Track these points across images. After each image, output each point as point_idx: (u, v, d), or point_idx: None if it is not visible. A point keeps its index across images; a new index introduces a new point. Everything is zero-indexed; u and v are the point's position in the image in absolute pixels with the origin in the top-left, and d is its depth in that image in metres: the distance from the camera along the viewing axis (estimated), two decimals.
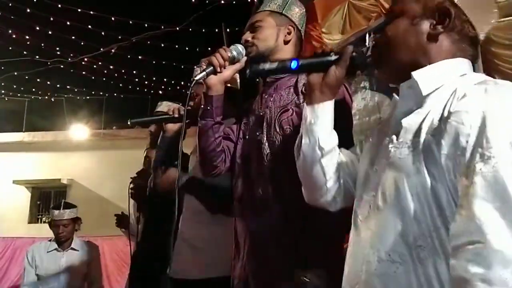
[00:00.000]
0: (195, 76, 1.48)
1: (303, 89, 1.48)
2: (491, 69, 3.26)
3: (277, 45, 1.58)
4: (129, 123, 2.07)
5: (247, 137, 1.60)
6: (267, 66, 1.22)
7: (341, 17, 5.24)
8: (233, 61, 1.52)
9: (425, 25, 1.00)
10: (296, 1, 1.69)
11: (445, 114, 0.87)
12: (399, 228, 0.87)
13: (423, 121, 0.91)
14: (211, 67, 1.47)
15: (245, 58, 1.54)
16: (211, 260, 1.81)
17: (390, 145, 0.95)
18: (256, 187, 1.49)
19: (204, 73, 1.47)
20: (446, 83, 0.94)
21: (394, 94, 1.05)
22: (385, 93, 1.40)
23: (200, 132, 1.57)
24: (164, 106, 2.62)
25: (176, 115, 2.03)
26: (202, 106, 1.56)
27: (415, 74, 0.96)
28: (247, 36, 1.60)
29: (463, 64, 0.99)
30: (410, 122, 0.94)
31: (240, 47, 1.54)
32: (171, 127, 2.07)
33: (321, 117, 1.12)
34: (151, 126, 2.78)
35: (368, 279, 0.90)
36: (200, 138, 1.58)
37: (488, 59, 3.21)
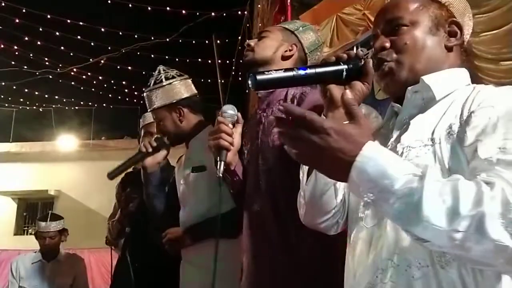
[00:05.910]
0: (220, 172, 1.40)
1: (291, 100, 1.47)
2: (474, 83, 3.31)
3: (274, 57, 1.56)
4: (107, 177, 1.98)
5: (246, 153, 1.60)
6: (272, 75, 0.94)
7: (329, 30, 5.32)
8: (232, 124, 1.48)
9: (440, 36, 1.00)
10: (315, 30, 1.69)
11: (465, 113, 0.87)
12: None
13: (439, 121, 0.90)
14: (224, 151, 1.41)
15: (239, 114, 1.49)
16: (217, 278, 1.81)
17: (399, 146, 0.93)
18: (253, 203, 1.50)
19: (223, 162, 1.40)
20: (457, 89, 0.95)
21: (393, 103, 1.04)
22: (372, 105, 1.42)
23: (235, 199, 1.60)
24: (148, 118, 2.59)
25: (150, 150, 1.98)
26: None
27: (426, 78, 0.95)
28: (251, 41, 1.63)
29: (467, 74, 1.01)
30: (422, 123, 0.93)
31: (229, 110, 1.48)
32: (151, 162, 2.00)
33: None
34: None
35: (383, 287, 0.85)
36: (236, 201, 1.61)
37: (471, 73, 3.26)
